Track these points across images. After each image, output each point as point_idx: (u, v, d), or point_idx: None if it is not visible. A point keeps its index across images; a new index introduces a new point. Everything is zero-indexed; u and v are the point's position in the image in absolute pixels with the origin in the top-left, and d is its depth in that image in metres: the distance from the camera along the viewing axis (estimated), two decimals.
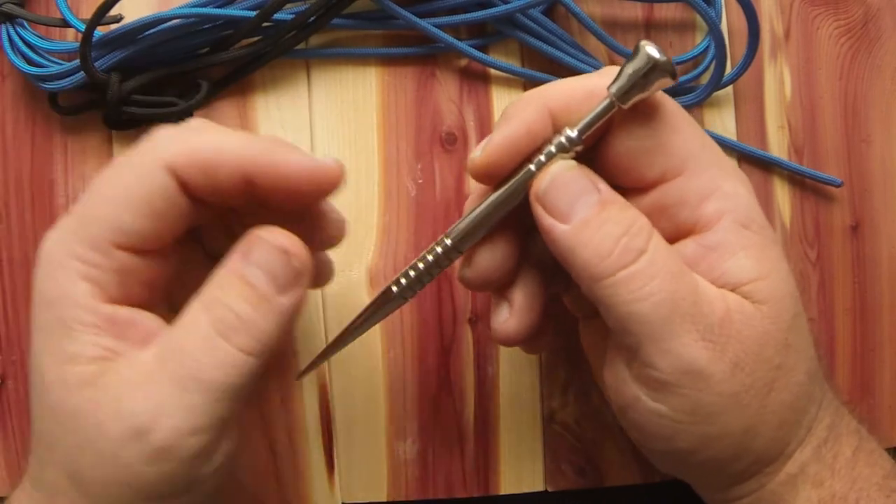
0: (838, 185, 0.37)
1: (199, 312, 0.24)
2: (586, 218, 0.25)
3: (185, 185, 0.25)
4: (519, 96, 0.27)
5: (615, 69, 0.26)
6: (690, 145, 0.26)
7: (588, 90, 0.26)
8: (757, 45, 0.35)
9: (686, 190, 0.26)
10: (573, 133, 0.25)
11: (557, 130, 0.26)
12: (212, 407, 0.24)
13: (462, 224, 0.27)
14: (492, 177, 0.26)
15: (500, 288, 0.28)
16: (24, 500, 0.25)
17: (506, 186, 0.26)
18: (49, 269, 0.25)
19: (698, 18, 0.38)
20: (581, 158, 0.26)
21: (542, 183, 0.25)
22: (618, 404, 0.27)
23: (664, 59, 0.24)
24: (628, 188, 0.27)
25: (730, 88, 0.37)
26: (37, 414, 0.25)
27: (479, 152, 0.26)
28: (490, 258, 0.27)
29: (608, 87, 0.25)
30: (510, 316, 0.28)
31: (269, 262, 0.25)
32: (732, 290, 0.25)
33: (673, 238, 0.26)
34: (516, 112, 0.26)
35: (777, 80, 0.38)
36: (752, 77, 0.37)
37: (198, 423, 0.23)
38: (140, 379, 0.24)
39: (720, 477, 0.27)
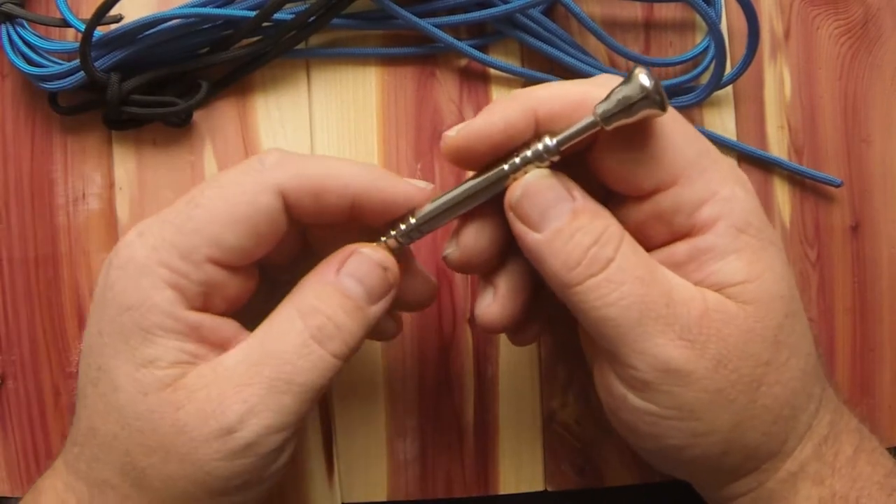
0: (838, 186, 0.37)
1: (296, 320, 0.26)
2: (557, 228, 0.25)
3: (291, 208, 0.26)
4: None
5: (610, 78, 0.26)
6: (684, 154, 0.26)
7: (578, 100, 0.25)
8: (757, 44, 0.35)
9: (681, 198, 0.26)
10: (551, 143, 0.25)
11: (539, 134, 0.26)
12: (299, 407, 0.25)
13: (427, 208, 0.27)
14: (460, 161, 0.27)
15: (485, 273, 0.29)
16: (61, 489, 0.26)
17: (477, 181, 0.26)
18: (132, 273, 0.25)
19: (698, 18, 0.38)
20: (573, 163, 0.26)
21: (515, 192, 0.26)
22: (608, 405, 0.27)
23: (656, 90, 0.24)
24: (623, 196, 0.27)
25: (729, 88, 0.37)
26: (97, 414, 0.26)
27: (454, 133, 0.26)
28: (475, 240, 0.27)
29: (595, 106, 0.25)
30: (493, 302, 0.28)
31: (367, 275, 0.27)
32: (718, 291, 0.26)
33: (668, 241, 0.27)
34: (501, 107, 0.26)
35: (777, 80, 0.38)
36: (751, 77, 0.37)
37: (284, 422, 0.25)
38: (231, 381, 0.25)
39: (715, 474, 0.27)
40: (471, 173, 0.28)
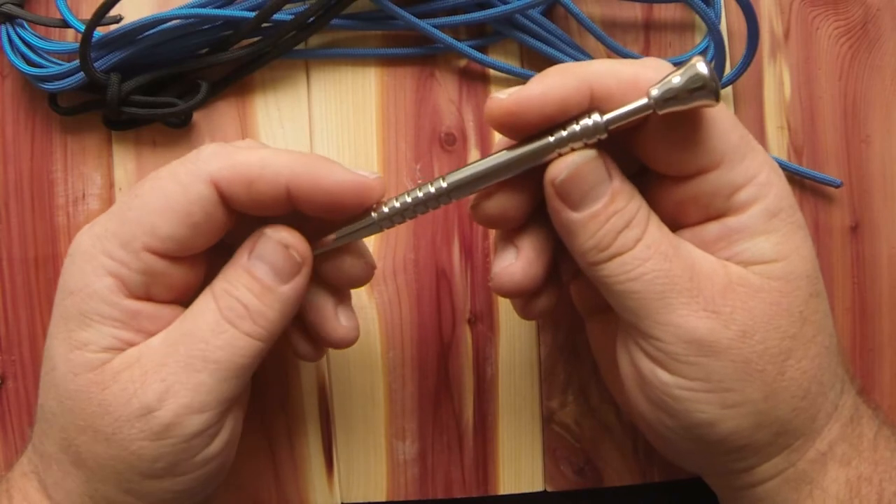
0: (838, 186, 0.37)
1: (209, 301, 0.27)
2: (595, 211, 0.25)
3: (226, 198, 0.26)
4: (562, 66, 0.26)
5: (661, 62, 0.26)
6: (728, 139, 0.26)
7: (632, 80, 0.25)
8: (756, 45, 0.35)
9: (721, 182, 0.26)
10: (601, 120, 0.25)
11: (589, 111, 0.25)
12: (218, 386, 0.26)
13: (463, 173, 0.26)
14: (504, 126, 0.26)
15: (509, 232, 0.28)
16: (25, 463, 0.28)
17: (519, 151, 0.26)
18: (77, 260, 0.27)
19: (697, 19, 0.38)
20: (612, 137, 0.26)
21: (560, 172, 0.25)
22: (637, 384, 0.27)
23: (712, 79, 0.24)
24: (665, 175, 0.27)
25: (729, 89, 0.37)
26: (42, 390, 0.27)
27: (506, 96, 0.25)
28: (513, 195, 0.27)
29: (649, 89, 0.24)
30: (516, 261, 0.28)
31: (272, 255, 0.27)
32: (745, 268, 0.26)
33: (701, 221, 0.27)
34: (558, 79, 0.25)
35: (776, 80, 0.38)
36: (751, 77, 0.37)
37: (203, 401, 0.26)
38: (152, 362, 0.26)
39: (744, 454, 0.27)
40: (501, 139, 0.27)
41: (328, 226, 0.28)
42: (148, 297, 0.27)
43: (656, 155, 0.26)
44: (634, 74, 0.25)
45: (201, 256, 0.28)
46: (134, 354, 0.26)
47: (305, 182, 0.26)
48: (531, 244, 0.28)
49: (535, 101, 0.25)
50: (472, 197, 0.28)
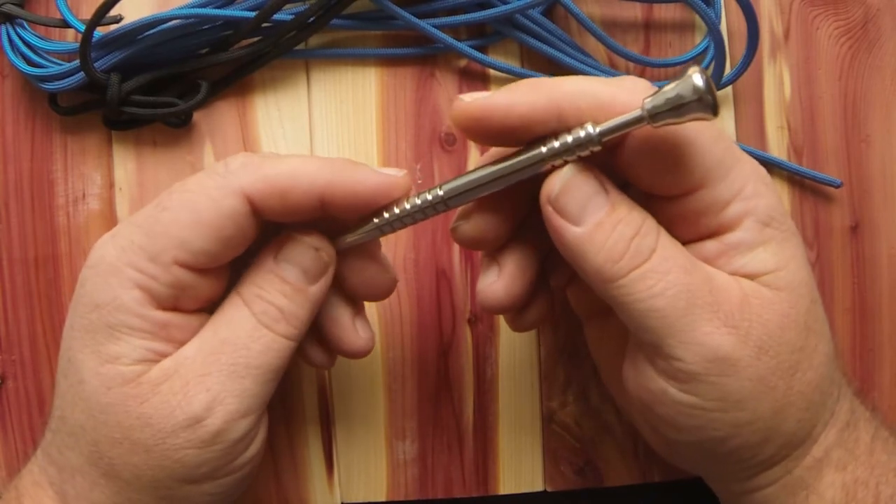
0: (838, 186, 0.37)
1: (241, 308, 0.27)
2: (598, 221, 0.25)
3: (258, 210, 0.26)
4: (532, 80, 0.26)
5: (637, 82, 0.25)
6: (710, 156, 0.25)
7: (607, 101, 0.25)
8: (756, 45, 0.35)
9: (708, 200, 0.25)
10: (594, 132, 0.24)
11: (562, 127, 0.25)
12: (260, 389, 0.27)
13: (458, 182, 0.26)
14: (467, 128, 0.26)
15: (492, 250, 0.28)
16: (36, 472, 0.28)
17: (513, 161, 0.25)
18: (102, 272, 0.26)
19: (698, 19, 0.38)
20: (598, 157, 0.25)
21: (554, 186, 0.25)
22: (643, 401, 0.27)
23: (709, 92, 0.23)
24: (648, 195, 0.27)
25: (729, 89, 0.37)
26: (65, 403, 0.27)
27: (471, 100, 0.25)
28: (490, 217, 0.27)
29: (643, 101, 0.23)
30: (498, 279, 0.28)
31: (302, 257, 0.27)
32: (751, 280, 0.26)
33: (692, 239, 0.26)
34: (526, 92, 0.25)
35: (776, 80, 0.38)
36: (751, 77, 0.37)
37: (248, 406, 0.26)
38: (191, 372, 0.26)
39: (748, 465, 0.27)
40: (494, 150, 0.27)
41: (337, 226, 0.28)
42: (175, 308, 0.27)
43: (637, 176, 0.26)
44: (609, 95, 0.25)
45: (227, 265, 0.28)
46: (170, 366, 0.26)
47: (339, 190, 0.26)
48: (513, 262, 0.28)
49: (498, 112, 0.25)
50: (454, 216, 0.28)
